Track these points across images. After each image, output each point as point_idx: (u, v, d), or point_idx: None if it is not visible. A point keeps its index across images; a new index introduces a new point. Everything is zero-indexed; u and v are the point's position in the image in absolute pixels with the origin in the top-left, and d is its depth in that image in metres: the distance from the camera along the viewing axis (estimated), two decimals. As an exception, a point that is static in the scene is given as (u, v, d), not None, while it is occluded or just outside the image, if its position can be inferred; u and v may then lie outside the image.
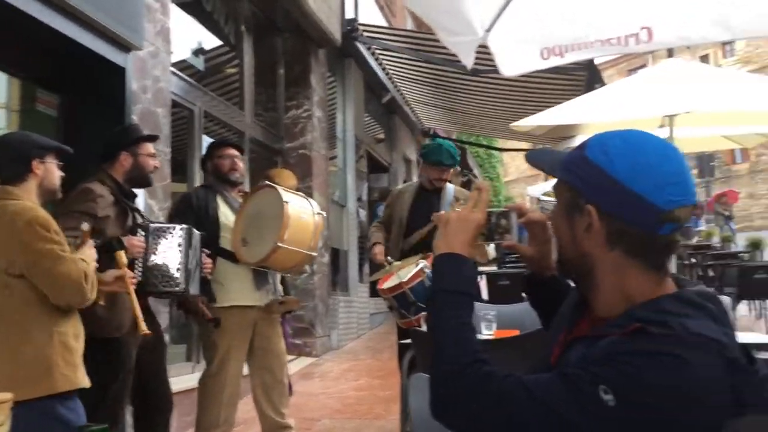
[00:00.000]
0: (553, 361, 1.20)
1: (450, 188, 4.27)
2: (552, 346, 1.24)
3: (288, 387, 3.77)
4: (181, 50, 5.68)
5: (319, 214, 3.55)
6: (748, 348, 1.09)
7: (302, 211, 3.45)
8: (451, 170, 4.27)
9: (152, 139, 3.29)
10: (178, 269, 2.96)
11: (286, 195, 3.37)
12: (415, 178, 10.55)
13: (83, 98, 3.90)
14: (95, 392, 2.51)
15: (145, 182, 3.24)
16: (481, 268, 7.35)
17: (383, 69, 9.40)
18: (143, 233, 2.96)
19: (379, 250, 4.19)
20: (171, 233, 2.99)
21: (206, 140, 5.51)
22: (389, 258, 3.60)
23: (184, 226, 3.06)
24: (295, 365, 6.35)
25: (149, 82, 4.20)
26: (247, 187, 5.00)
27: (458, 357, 1.11)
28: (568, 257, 1.20)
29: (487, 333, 3.18)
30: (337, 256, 8.24)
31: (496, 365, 1.12)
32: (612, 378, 1.00)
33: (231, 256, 3.41)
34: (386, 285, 3.35)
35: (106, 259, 2.67)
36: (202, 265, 3.20)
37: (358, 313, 8.57)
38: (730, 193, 25.04)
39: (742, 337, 3.44)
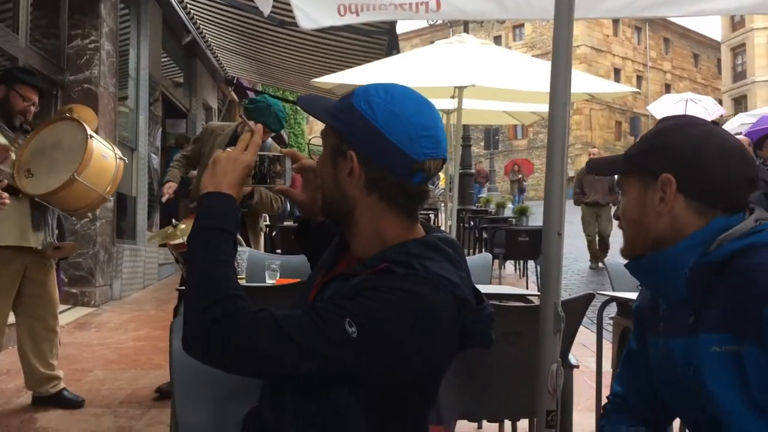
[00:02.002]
0: (311, 300, 1.27)
1: (268, 143, 4.08)
2: (311, 287, 1.30)
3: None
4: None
5: (121, 159, 3.36)
6: (478, 290, 1.24)
7: (105, 151, 3.25)
8: (267, 133, 3.90)
9: None
10: None
11: (91, 131, 3.18)
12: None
13: None
14: None
15: None
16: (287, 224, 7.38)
17: (184, 8, 8.88)
18: None
19: (167, 187, 3.95)
20: None
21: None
22: (174, 220, 3.48)
23: None
24: (69, 315, 5.94)
25: None
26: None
27: (211, 291, 1.11)
28: (331, 199, 1.26)
29: (270, 282, 3.23)
30: (124, 202, 7.76)
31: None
32: (356, 311, 1.08)
33: (9, 189, 3.07)
34: (173, 242, 3.29)
35: None
36: None
37: (145, 262, 8.17)
38: (526, 163, 26.80)
39: (503, 289, 3.87)
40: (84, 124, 3.23)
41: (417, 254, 1.17)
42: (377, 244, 1.22)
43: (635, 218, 1.23)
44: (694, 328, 1.15)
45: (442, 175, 18.98)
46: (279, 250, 7.37)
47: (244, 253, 3.38)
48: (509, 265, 9.46)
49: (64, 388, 3.56)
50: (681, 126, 1.23)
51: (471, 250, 9.42)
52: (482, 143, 28.60)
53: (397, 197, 1.21)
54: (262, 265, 3.37)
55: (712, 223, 1.17)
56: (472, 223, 9.92)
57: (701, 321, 1.14)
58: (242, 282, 3.24)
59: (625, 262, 1.29)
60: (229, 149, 1.29)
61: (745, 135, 8.22)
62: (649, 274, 1.24)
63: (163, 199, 3.93)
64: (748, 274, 1.09)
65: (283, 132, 17.99)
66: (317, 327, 1.08)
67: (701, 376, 1.13)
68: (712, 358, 1.12)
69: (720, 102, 22.30)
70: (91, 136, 3.13)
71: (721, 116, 17.25)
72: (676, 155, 1.19)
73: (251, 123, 3.72)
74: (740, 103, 35.72)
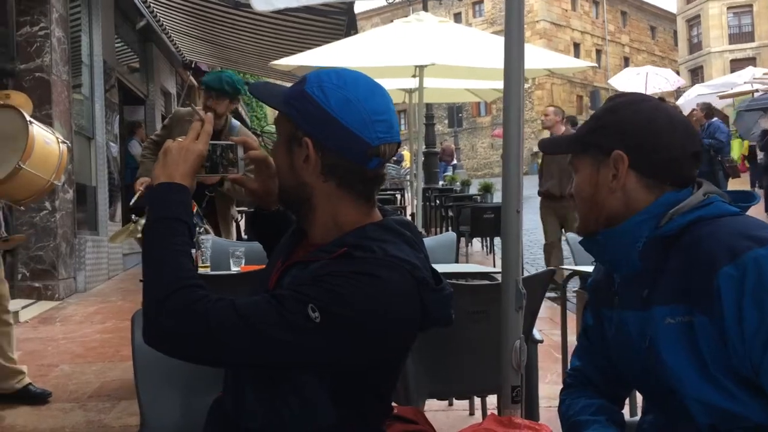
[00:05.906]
0: (271, 286, 1.26)
1: (235, 126, 3.95)
2: (270, 274, 1.30)
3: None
4: None
5: (63, 142, 3.28)
6: (436, 270, 1.25)
7: (47, 136, 3.18)
8: (227, 102, 3.79)
9: None
10: None
11: (29, 117, 3.09)
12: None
13: None
14: None
15: None
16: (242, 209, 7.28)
17: (137, -9, 8.68)
18: None
19: (141, 181, 3.88)
20: None
21: None
22: (134, 216, 3.39)
23: None
24: (33, 310, 5.83)
25: None
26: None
27: (169, 282, 1.10)
28: (288, 187, 1.26)
29: (235, 269, 3.21)
30: (84, 193, 7.60)
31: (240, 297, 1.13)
32: (318, 296, 1.09)
33: None
34: (139, 235, 3.25)
35: None
36: None
37: (109, 253, 8.04)
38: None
39: (469, 268, 3.91)
40: (21, 110, 3.15)
41: (375, 238, 1.18)
42: (335, 229, 1.22)
43: (588, 196, 1.25)
44: (648, 301, 1.18)
45: (407, 154, 19.03)
46: (246, 236, 7.31)
47: (207, 240, 3.34)
48: (476, 242, 9.53)
49: (30, 384, 3.50)
50: (629, 103, 1.25)
51: (437, 229, 9.47)
52: (446, 121, 28.65)
53: (354, 183, 1.21)
54: (226, 253, 3.34)
55: (662, 197, 1.20)
56: (438, 201, 9.97)
57: (654, 294, 1.17)
58: (207, 270, 3.21)
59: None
60: (179, 138, 1.27)
61: None
62: (604, 250, 1.26)
63: (132, 201, 3.80)
64: (697, 246, 1.12)
65: (245, 115, 17.77)
66: (279, 314, 1.08)
67: (656, 348, 1.16)
68: (666, 330, 1.15)
69: (677, 73, 22.68)
70: (31, 122, 3.06)
71: (679, 87, 17.56)
72: (626, 132, 1.21)
73: (201, 112, 3.65)
74: (697, 74, 36.35)
